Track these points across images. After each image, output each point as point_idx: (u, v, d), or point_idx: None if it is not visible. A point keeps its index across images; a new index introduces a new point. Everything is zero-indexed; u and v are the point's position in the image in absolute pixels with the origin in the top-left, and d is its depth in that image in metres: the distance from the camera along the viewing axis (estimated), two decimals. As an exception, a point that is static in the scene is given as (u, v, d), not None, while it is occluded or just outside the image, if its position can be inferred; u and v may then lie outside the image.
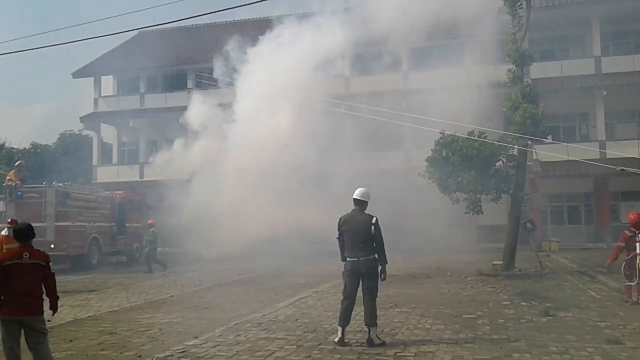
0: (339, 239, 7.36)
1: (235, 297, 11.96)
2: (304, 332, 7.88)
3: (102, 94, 34.01)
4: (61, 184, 19.81)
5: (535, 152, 15.83)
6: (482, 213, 15.43)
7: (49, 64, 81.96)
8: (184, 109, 25.21)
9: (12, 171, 19.81)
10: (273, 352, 6.78)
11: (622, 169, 11.41)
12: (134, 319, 9.57)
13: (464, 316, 8.87)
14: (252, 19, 34.01)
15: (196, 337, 7.71)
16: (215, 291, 12.99)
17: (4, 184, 19.34)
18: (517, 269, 14.58)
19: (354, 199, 7.39)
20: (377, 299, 7.24)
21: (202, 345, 7.21)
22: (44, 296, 5.75)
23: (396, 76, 26.99)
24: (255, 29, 26.32)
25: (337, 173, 20.09)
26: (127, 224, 22.31)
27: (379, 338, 7.09)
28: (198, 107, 23.89)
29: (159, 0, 41.25)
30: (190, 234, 20.60)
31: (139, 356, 6.89)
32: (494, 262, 15.17)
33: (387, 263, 7.25)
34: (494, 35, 19.63)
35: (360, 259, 7.11)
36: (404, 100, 23.63)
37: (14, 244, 6.82)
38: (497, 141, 14.95)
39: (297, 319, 8.88)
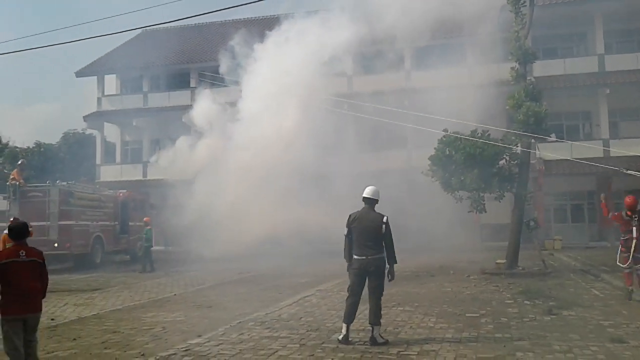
0: (347, 236, 7.29)
1: (238, 296, 11.97)
2: (307, 331, 7.88)
3: (106, 93, 34.06)
4: (65, 183, 19.84)
5: (539, 150, 15.79)
6: (486, 212, 15.42)
7: (52, 63, 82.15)
8: (187, 107, 25.19)
9: (15, 170, 19.86)
10: (276, 351, 6.79)
11: (624, 170, 11.37)
12: (137, 317, 9.59)
13: (467, 315, 8.86)
14: (255, 18, 34.03)
15: (199, 336, 7.72)
16: (218, 290, 13.00)
17: (7, 183, 19.39)
18: (520, 268, 14.55)
19: (365, 197, 7.37)
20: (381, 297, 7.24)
21: (206, 344, 7.22)
22: None
23: (399, 75, 26.95)
24: (258, 28, 26.26)
25: (339, 173, 20.08)
26: (130, 223, 22.35)
27: (382, 337, 7.09)
28: (204, 105, 23.86)
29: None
30: (193, 233, 20.61)
31: (143, 355, 6.91)
32: (497, 261, 15.15)
33: (396, 262, 7.25)
34: (497, 33, 19.59)
35: (369, 257, 7.10)
36: (407, 99, 23.58)
37: None
38: (501, 140, 14.93)
39: (301, 318, 8.89)
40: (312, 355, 6.60)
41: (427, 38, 22.34)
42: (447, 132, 15.15)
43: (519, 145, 15.05)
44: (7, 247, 6.00)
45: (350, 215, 7.34)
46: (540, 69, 24.72)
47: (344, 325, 7.15)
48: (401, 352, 6.60)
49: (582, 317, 8.44)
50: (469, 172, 14.48)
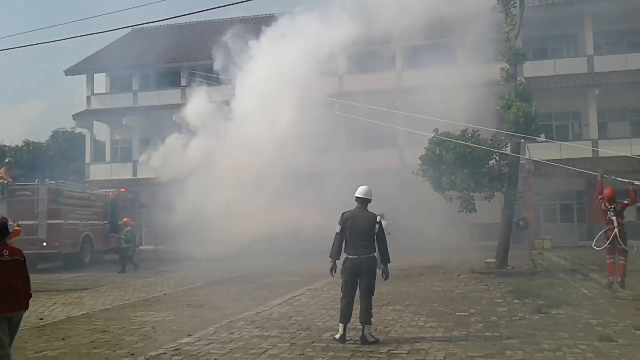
0: (339, 234, 7.27)
1: (229, 295, 11.95)
2: (298, 330, 7.88)
3: (95, 92, 33.83)
4: (54, 182, 19.68)
5: (528, 150, 15.90)
6: (476, 211, 15.49)
7: (42, 61, 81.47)
8: (177, 106, 25.03)
9: (3, 169, 19.68)
10: (267, 350, 6.77)
11: (606, 176, 11.61)
12: (127, 317, 9.53)
13: (457, 314, 8.90)
14: (247, 17, 33.86)
15: (190, 336, 7.69)
16: (209, 289, 12.96)
17: (-5, 182, 19.18)
18: (510, 267, 14.63)
19: (358, 197, 7.38)
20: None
21: (196, 344, 7.19)
22: None
23: (390, 75, 26.99)
24: (249, 27, 26.18)
25: (331, 172, 20.05)
26: (120, 223, 22.17)
27: (372, 336, 7.11)
28: (197, 103, 23.70)
29: (153, -2, 41.10)
30: (184, 233, 20.51)
31: (132, 354, 6.87)
32: (488, 260, 15.22)
33: (390, 262, 7.26)
34: (488, 34, 19.65)
35: (362, 256, 7.11)
36: (398, 99, 23.62)
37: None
38: (491, 140, 15.00)
39: (291, 317, 8.88)
40: (303, 354, 6.60)
41: (420, 38, 22.39)
42: (438, 132, 15.20)
43: (508, 146, 15.13)
44: None
45: (343, 214, 7.34)
46: (531, 69, 24.86)
47: (341, 325, 7.15)
48: (392, 351, 6.61)
49: (571, 316, 8.49)
50: (460, 172, 14.54)
